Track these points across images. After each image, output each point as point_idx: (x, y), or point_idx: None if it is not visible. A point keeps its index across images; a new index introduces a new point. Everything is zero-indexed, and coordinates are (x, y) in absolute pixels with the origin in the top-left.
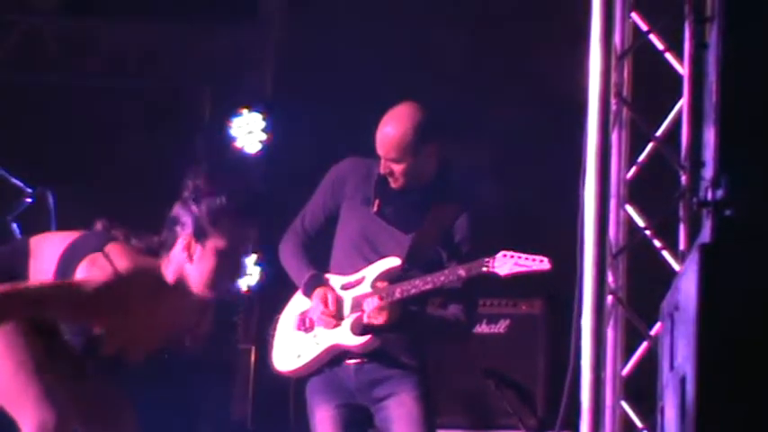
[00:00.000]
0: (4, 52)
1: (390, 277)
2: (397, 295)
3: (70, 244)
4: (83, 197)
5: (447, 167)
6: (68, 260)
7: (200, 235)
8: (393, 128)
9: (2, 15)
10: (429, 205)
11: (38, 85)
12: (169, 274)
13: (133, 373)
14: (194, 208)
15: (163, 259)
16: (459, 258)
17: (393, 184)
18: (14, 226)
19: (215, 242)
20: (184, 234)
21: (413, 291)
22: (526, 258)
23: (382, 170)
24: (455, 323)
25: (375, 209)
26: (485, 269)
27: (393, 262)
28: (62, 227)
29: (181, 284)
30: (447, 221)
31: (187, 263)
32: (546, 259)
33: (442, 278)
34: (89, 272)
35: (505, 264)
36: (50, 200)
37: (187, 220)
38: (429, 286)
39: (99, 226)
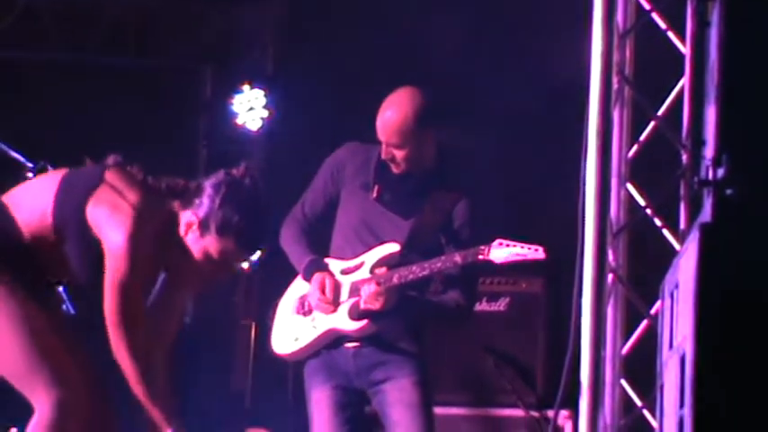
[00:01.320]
0: (2, 28)
1: (389, 263)
2: (395, 281)
3: (62, 180)
4: None
5: (446, 154)
6: (68, 196)
7: (203, 227)
8: (394, 112)
9: None
10: (428, 191)
11: (35, 62)
12: (182, 228)
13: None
14: (217, 201)
15: (177, 207)
16: (459, 244)
17: (395, 170)
18: None
19: (209, 243)
20: (194, 211)
21: (410, 277)
22: (522, 247)
23: (384, 155)
24: (455, 307)
25: (375, 194)
26: (480, 257)
27: (392, 248)
28: None
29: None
30: (446, 207)
31: (194, 233)
32: (541, 248)
33: (439, 264)
34: (112, 219)
35: (501, 252)
36: None
37: (205, 203)
38: (426, 272)
39: (110, 161)
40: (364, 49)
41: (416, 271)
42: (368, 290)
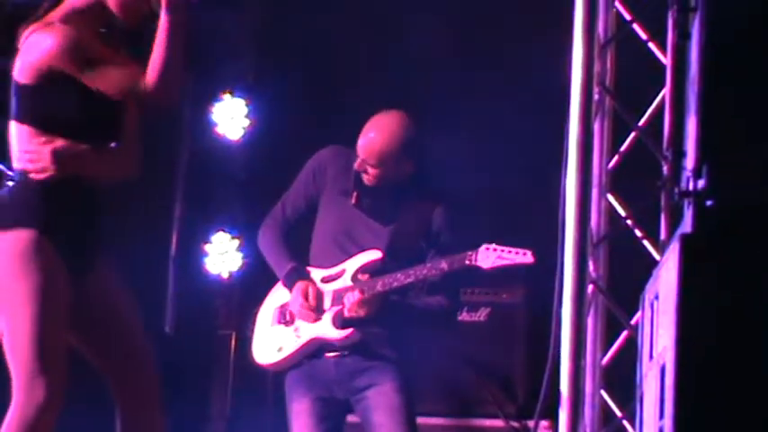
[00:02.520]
0: None
1: (371, 270)
2: (379, 288)
3: None
4: None
5: (423, 162)
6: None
7: None
8: (378, 137)
9: None
10: (407, 197)
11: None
12: (84, 3)
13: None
14: None
15: None
16: (440, 248)
17: (366, 181)
18: None
19: None
20: None
21: (395, 284)
22: (509, 252)
23: (357, 167)
24: (439, 310)
25: (354, 201)
26: (468, 262)
27: (374, 255)
28: None
29: (99, 11)
30: (425, 212)
31: None
32: (529, 252)
33: (425, 271)
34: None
35: (488, 257)
36: None
37: None
38: (411, 279)
39: None
40: (345, 59)
41: (401, 278)
42: (351, 298)
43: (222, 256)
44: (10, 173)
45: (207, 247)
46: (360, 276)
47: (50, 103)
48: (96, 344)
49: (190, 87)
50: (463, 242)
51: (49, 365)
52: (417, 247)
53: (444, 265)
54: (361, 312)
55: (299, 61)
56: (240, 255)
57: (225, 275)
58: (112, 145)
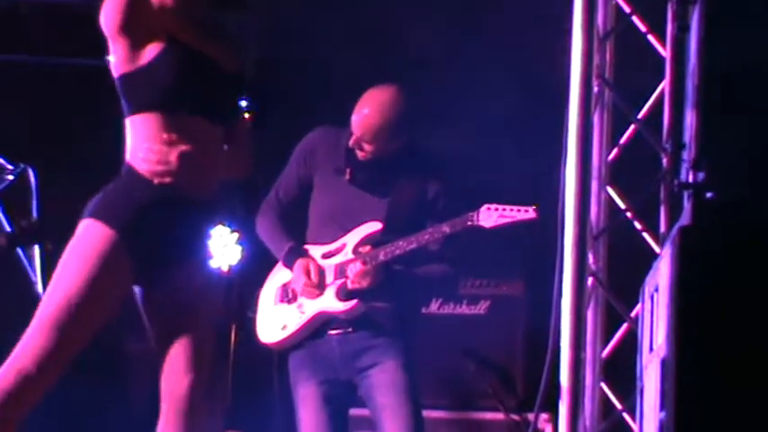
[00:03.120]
0: None
1: (372, 241)
2: (381, 258)
3: None
4: (65, 177)
5: (415, 134)
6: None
7: None
8: (372, 112)
9: None
10: (400, 169)
11: (20, 65)
12: None
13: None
14: None
15: None
16: (436, 215)
17: (360, 157)
18: None
19: None
20: None
21: (397, 251)
22: (511, 209)
23: (352, 143)
24: (440, 277)
25: (347, 177)
26: (469, 223)
27: (374, 226)
28: (44, 206)
29: None
30: (419, 182)
31: None
32: (531, 208)
33: (426, 236)
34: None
35: (490, 216)
36: (32, 178)
37: None
38: (414, 245)
39: None
40: (341, 57)
41: (403, 245)
42: (354, 269)
43: (221, 249)
44: (10, 167)
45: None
46: (361, 249)
47: (134, 84)
48: (159, 338)
49: None
50: (460, 206)
51: (54, 346)
52: (415, 217)
53: (446, 228)
54: (365, 282)
55: (292, 61)
56: (240, 248)
57: (224, 268)
58: (224, 147)
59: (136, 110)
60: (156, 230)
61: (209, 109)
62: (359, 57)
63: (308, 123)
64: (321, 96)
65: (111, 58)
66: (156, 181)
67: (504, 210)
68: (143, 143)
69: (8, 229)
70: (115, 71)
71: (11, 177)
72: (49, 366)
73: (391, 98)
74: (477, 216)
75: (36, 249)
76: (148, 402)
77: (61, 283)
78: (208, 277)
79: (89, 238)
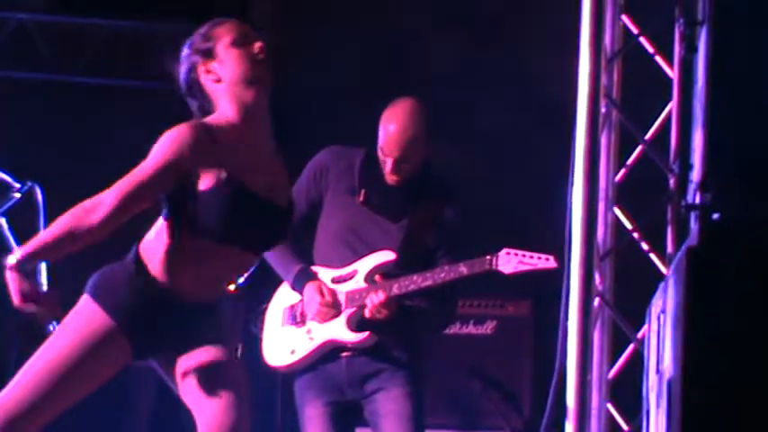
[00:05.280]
0: None
1: (384, 271)
2: (395, 291)
3: None
4: (74, 195)
5: (429, 161)
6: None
7: (206, 54)
8: (405, 126)
9: None
10: (415, 194)
11: (28, 82)
12: (218, 110)
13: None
14: (185, 52)
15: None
16: (448, 249)
17: (391, 180)
18: (2, 221)
19: (221, 43)
20: (198, 69)
21: (411, 287)
22: (531, 257)
23: (390, 169)
24: (445, 314)
25: (361, 198)
26: (488, 267)
27: (387, 255)
28: (51, 223)
29: (230, 107)
30: (435, 209)
31: (218, 84)
32: (552, 257)
33: (443, 275)
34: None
35: (510, 261)
36: (39, 195)
37: (192, 61)
38: (429, 282)
39: None
40: (354, 74)
41: (418, 281)
42: (376, 299)
43: None
44: (17, 185)
45: None
46: (376, 278)
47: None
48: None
49: None
50: (471, 243)
51: (38, 402)
52: (428, 245)
53: (464, 268)
54: (383, 314)
55: (307, 78)
56: None
57: (231, 288)
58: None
59: (174, 222)
60: (154, 324)
61: (251, 242)
62: (369, 71)
63: (317, 144)
64: (336, 108)
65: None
66: (159, 283)
67: (523, 256)
68: (162, 251)
69: (16, 248)
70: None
71: (18, 195)
72: (32, 418)
73: (414, 107)
74: (497, 260)
75: (43, 267)
76: (156, 414)
77: (53, 349)
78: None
79: (87, 318)
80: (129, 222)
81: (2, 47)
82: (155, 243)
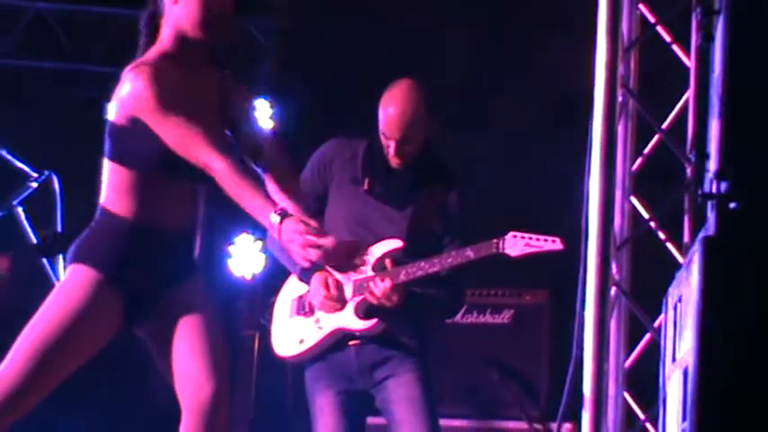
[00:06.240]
0: (12, 38)
1: (392, 258)
2: (402, 278)
3: None
4: (91, 184)
5: (429, 145)
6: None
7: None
8: (404, 107)
9: (8, 2)
10: (418, 181)
11: (46, 71)
12: (168, 39)
13: (135, 357)
14: None
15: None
16: (454, 235)
17: (395, 165)
18: (19, 210)
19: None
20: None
21: (419, 273)
22: (537, 239)
23: (393, 152)
24: (454, 300)
25: (366, 187)
26: (494, 250)
27: (394, 243)
28: (68, 212)
29: (182, 41)
30: (440, 195)
31: (177, 12)
32: (558, 239)
33: (450, 260)
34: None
35: (516, 244)
36: (56, 184)
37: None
38: (436, 268)
39: None
40: (369, 63)
41: (425, 267)
42: (382, 287)
43: (246, 257)
44: (34, 174)
45: (230, 249)
46: (382, 266)
47: (137, 145)
48: (164, 356)
49: None
50: (477, 229)
51: (32, 375)
52: (434, 232)
53: (470, 252)
54: (390, 302)
55: (323, 65)
56: (264, 256)
57: (248, 277)
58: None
59: (120, 161)
60: (141, 265)
61: (197, 175)
62: (384, 60)
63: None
64: (348, 106)
65: (113, 106)
66: (133, 221)
67: (530, 239)
68: (124, 195)
69: (34, 239)
70: (115, 116)
71: (35, 185)
72: (26, 392)
73: (412, 87)
74: (503, 243)
75: (60, 258)
76: (171, 395)
77: (45, 317)
78: (202, 291)
79: (75, 281)
80: None
81: (20, 36)
82: (112, 192)
